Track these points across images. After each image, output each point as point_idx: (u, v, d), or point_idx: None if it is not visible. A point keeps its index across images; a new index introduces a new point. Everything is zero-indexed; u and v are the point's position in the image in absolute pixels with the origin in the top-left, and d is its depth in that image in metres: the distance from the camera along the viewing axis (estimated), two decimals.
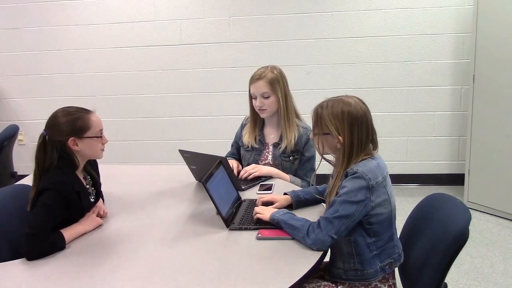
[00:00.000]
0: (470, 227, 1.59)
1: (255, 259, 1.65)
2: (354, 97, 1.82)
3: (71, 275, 1.60)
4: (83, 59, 4.61)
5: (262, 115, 2.57)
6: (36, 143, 1.90)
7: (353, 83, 4.34)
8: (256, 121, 2.65)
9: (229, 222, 1.92)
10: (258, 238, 1.79)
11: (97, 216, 2.00)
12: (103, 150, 2.01)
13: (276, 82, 2.49)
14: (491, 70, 3.67)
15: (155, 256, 1.71)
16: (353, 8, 4.23)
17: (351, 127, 1.75)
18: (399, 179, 4.38)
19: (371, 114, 1.82)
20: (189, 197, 2.31)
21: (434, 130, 4.40)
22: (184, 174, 2.51)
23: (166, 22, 4.45)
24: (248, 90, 2.57)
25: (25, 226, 1.74)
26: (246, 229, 1.88)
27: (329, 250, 1.80)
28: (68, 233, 1.82)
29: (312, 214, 1.96)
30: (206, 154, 2.32)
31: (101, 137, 1.98)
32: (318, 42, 4.32)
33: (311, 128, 1.93)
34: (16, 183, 2.41)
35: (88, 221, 1.94)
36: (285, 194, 2.10)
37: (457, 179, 4.26)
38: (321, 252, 1.68)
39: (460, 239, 1.58)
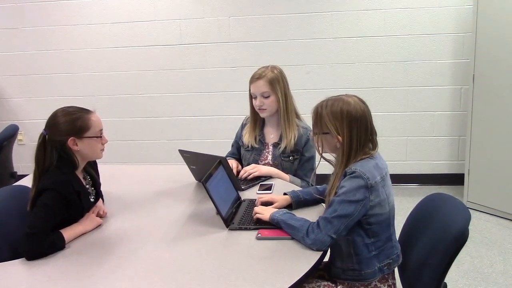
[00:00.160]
0: (470, 227, 1.59)
1: (255, 259, 1.66)
2: (354, 96, 1.82)
3: (71, 275, 1.60)
4: (83, 59, 4.61)
5: (262, 115, 2.57)
6: (36, 143, 1.90)
7: (353, 83, 4.34)
8: (256, 121, 2.65)
9: (229, 222, 1.92)
10: (258, 238, 1.79)
11: (96, 216, 2.00)
12: (103, 150, 2.01)
13: (276, 82, 2.49)
14: (491, 70, 3.67)
15: (155, 256, 1.71)
16: (353, 8, 4.23)
17: (350, 127, 1.75)
18: (398, 179, 4.38)
19: (371, 113, 1.82)
20: (189, 197, 2.31)
21: (434, 130, 4.40)
22: (184, 174, 2.51)
23: (166, 22, 4.45)
24: (248, 90, 2.57)
25: (24, 226, 1.74)
26: (246, 229, 1.88)
27: (329, 249, 1.80)
28: (67, 233, 1.82)
29: (311, 214, 1.96)
30: (206, 154, 2.32)
31: (101, 137, 1.98)
32: (318, 42, 4.32)
33: (311, 128, 1.93)
34: (16, 183, 2.41)
35: (87, 221, 1.94)
36: (284, 194, 2.10)
37: (456, 179, 4.26)
38: (321, 252, 1.68)
39: (459, 239, 1.58)
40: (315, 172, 2.53)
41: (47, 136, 1.89)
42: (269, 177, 2.49)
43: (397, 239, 1.91)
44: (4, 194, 2.12)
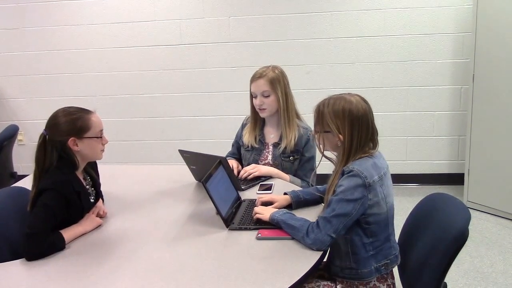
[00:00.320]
0: (470, 227, 1.59)
1: (255, 259, 1.66)
2: (356, 95, 1.82)
3: (71, 275, 1.60)
4: (83, 59, 4.61)
5: (262, 115, 2.57)
6: (36, 143, 1.90)
7: (353, 83, 4.34)
8: (257, 120, 2.65)
9: (229, 222, 1.92)
10: (258, 238, 1.79)
11: (96, 216, 2.00)
12: (103, 151, 2.01)
13: (277, 82, 2.50)
14: (490, 70, 3.67)
15: (155, 256, 1.71)
16: (353, 8, 4.23)
17: (352, 126, 1.76)
18: (398, 178, 4.38)
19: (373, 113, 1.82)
20: (189, 197, 2.31)
21: (434, 130, 4.40)
22: (184, 174, 2.51)
23: (166, 22, 4.45)
24: (248, 90, 2.57)
25: (24, 227, 1.74)
26: (246, 229, 1.88)
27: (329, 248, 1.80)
28: (67, 233, 1.82)
29: (311, 214, 1.96)
30: (206, 154, 2.32)
31: (101, 137, 1.98)
32: (318, 42, 4.32)
33: (311, 128, 1.93)
34: (16, 183, 2.41)
35: (87, 222, 1.94)
36: (285, 194, 2.10)
37: (456, 179, 4.26)
38: (321, 252, 1.69)
39: (459, 239, 1.59)
40: (315, 172, 2.53)
41: (47, 136, 1.89)
42: (269, 177, 2.49)
43: (397, 239, 1.91)
44: (3, 195, 2.12)
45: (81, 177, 1.99)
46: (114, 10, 4.48)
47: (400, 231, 2.00)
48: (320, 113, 1.81)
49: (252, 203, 2.11)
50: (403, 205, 3.25)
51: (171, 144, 4.66)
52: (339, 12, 4.25)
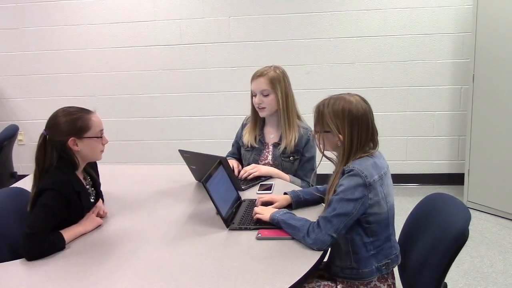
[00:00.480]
0: (470, 227, 1.59)
1: (255, 259, 1.66)
2: (356, 95, 1.82)
3: (71, 275, 1.60)
4: (83, 59, 4.61)
5: (261, 114, 2.57)
6: (36, 143, 1.90)
7: (353, 83, 4.34)
8: (257, 120, 2.65)
9: (229, 222, 1.92)
10: (258, 238, 1.79)
11: (97, 216, 2.00)
12: (102, 151, 2.01)
13: (277, 81, 2.49)
14: (490, 70, 3.67)
15: (155, 256, 1.71)
16: (353, 8, 4.23)
17: (351, 126, 1.76)
18: (398, 178, 4.38)
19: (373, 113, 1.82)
20: (189, 197, 2.31)
21: (434, 130, 4.40)
22: (184, 174, 2.51)
23: (166, 22, 4.45)
24: (249, 90, 2.57)
25: (24, 227, 1.74)
26: (246, 229, 1.88)
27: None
28: (67, 233, 1.82)
29: (311, 214, 1.95)
30: (206, 154, 2.32)
31: (101, 137, 1.98)
32: (318, 42, 4.32)
33: (312, 128, 1.93)
34: (16, 183, 2.41)
35: (87, 222, 1.94)
36: (285, 194, 2.10)
37: (456, 179, 4.27)
38: (321, 252, 1.69)
39: (460, 239, 1.59)
40: (316, 172, 2.53)
41: (47, 136, 1.89)
42: (269, 177, 2.49)
43: (397, 238, 1.91)
44: (3, 195, 2.12)
45: (81, 177, 1.99)
46: (113, 10, 4.48)
47: (400, 231, 2.00)
48: (320, 113, 1.81)
49: (252, 203, 2.11)
50: (403, 205, 3.26)
51: (171, 144, 4.66)
52: (339, 12, 4.25)
